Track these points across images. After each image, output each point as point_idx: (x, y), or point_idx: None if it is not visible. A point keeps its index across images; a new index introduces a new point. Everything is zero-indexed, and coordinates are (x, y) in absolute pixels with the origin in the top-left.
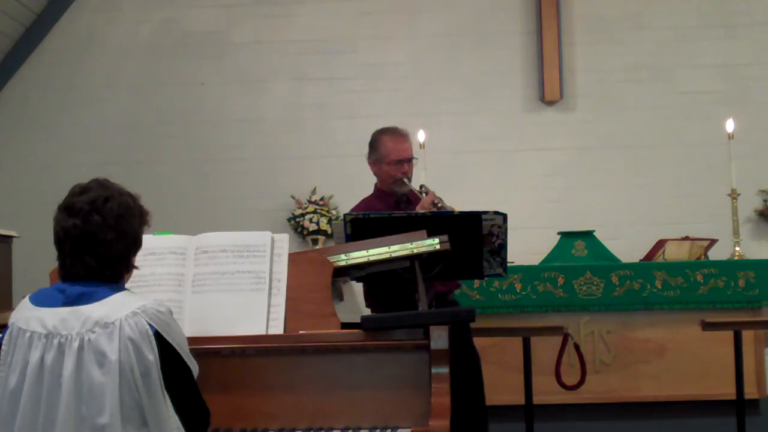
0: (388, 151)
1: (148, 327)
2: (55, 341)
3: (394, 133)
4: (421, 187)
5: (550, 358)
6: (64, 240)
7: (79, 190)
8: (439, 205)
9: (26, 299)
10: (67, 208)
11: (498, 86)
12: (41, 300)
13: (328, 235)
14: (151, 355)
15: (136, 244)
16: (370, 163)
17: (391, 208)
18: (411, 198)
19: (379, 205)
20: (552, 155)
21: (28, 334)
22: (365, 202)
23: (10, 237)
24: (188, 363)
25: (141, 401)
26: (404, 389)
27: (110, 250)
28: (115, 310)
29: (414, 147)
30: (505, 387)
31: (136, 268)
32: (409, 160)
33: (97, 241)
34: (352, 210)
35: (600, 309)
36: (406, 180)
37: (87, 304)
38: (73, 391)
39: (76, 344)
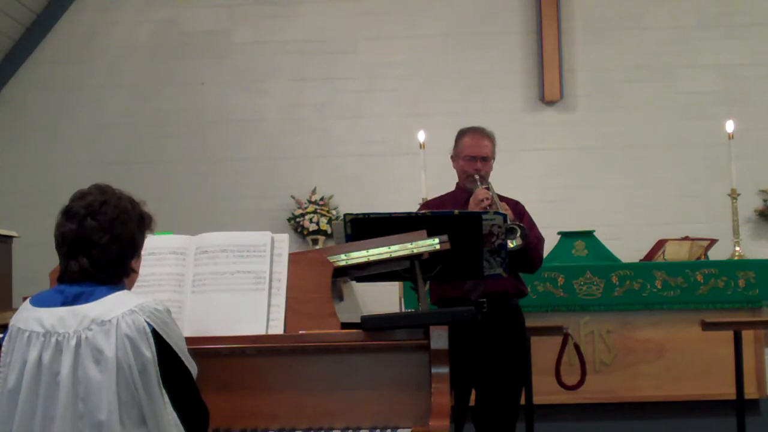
0: (464, 146)
1: (145, 324)
2: (53, 339)
3: (475, 131)
4: (488, 183)
5: (550, 358)
6: (62, 244)
7: (79, 196)
8: (487, 203)
9: (27, 301)
10: (65, 213)
11: (498, 86)
12: (40, 301)
13: (328, 235)
14: (148, 352)
15: (134, 248)
16: (451, 158)
17: (462, 204)
18: None
19: (451, 200)
20: (552, 155)
21: (26, 334)
22: (442, 197)
23: (10, 237)
24: (186, 363)
25: (139, 398)
26: (404, 389)
27: (105, 253)
28: (113, 308)
29: (414, 147)
30: None
31: (134, 271)
32: (485, 159)
33: (92, 243)
34: (425, 203)
35: (600, 309)
36: (477, 177)
37: (85, 303)
38: (71, 389)
39: (73, 342)
